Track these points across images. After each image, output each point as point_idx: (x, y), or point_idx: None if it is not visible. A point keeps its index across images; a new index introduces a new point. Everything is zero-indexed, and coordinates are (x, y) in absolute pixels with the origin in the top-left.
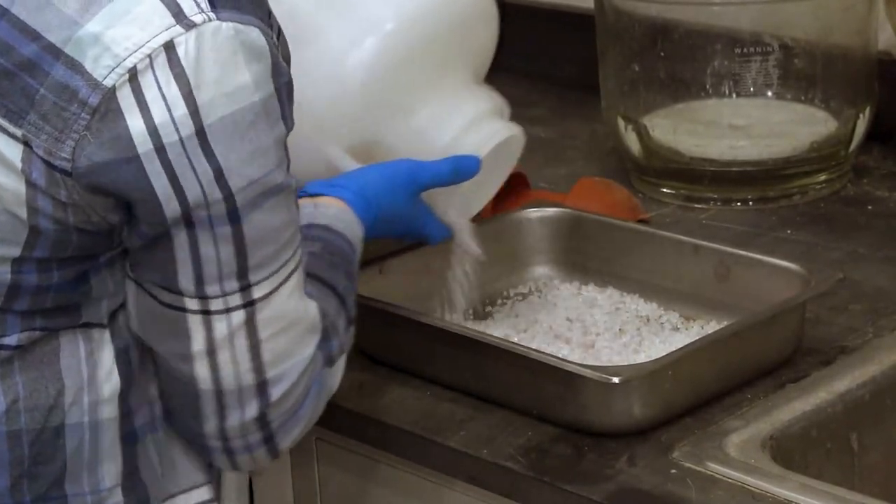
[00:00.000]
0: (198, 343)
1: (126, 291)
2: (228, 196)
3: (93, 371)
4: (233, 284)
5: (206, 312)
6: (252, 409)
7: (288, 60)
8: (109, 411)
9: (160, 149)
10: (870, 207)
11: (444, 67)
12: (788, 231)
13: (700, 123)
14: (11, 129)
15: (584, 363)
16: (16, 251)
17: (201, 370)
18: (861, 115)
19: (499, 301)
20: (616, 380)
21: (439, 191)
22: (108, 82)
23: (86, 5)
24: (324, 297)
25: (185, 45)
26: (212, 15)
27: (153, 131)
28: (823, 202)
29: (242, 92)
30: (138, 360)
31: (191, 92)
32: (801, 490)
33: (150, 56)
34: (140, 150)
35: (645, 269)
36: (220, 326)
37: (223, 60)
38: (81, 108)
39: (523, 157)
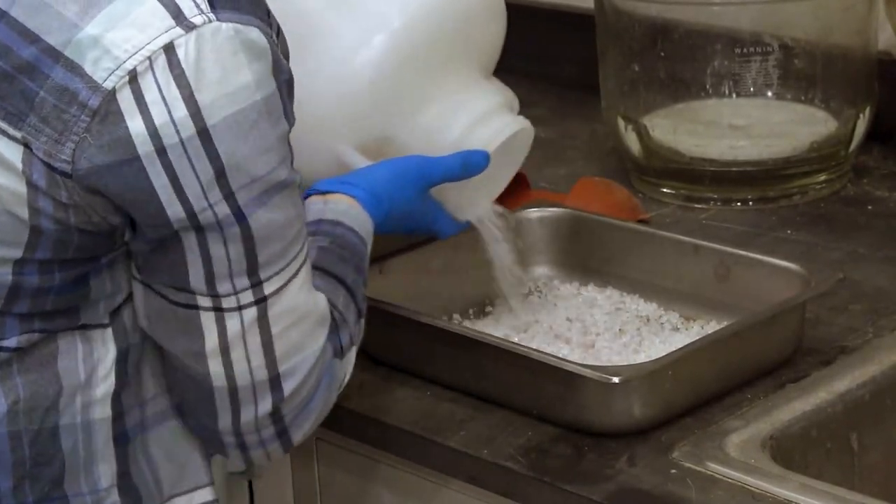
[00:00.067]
0: (211, 341)
1: (133, 292)
2: (230, 195)
3: (90, 372)
4: (244, 282)
5: (218, 310)
6: (266, 404)
7: (287, 58)
8: (101, 412)
9: (161, 150)
10: (870, 207)
11: (452, 63)
12: (788, 231)
13: (700, 123)
14: (11, 131)
15: (584, 363)
16: (17, 252)
17: (215, 367)
18: (861, 115)
19: (499, 301)
20: (616, 380)
21: (449, 186)
22: (108, 85)
23: (85, 8)
24: (332, 289)
25: (186, 47)
26: (211, 16)
27: (153, 133)
28: (823, 202)
29: (244, 91)
30: (137, 359)
31: (191, 93)
32: (801, 490)
33: (149, 58)
34: (140, 151)
35: (645, 269)
36: (233, 324)
37: (224, 61)
38: (81, 110)
39: None
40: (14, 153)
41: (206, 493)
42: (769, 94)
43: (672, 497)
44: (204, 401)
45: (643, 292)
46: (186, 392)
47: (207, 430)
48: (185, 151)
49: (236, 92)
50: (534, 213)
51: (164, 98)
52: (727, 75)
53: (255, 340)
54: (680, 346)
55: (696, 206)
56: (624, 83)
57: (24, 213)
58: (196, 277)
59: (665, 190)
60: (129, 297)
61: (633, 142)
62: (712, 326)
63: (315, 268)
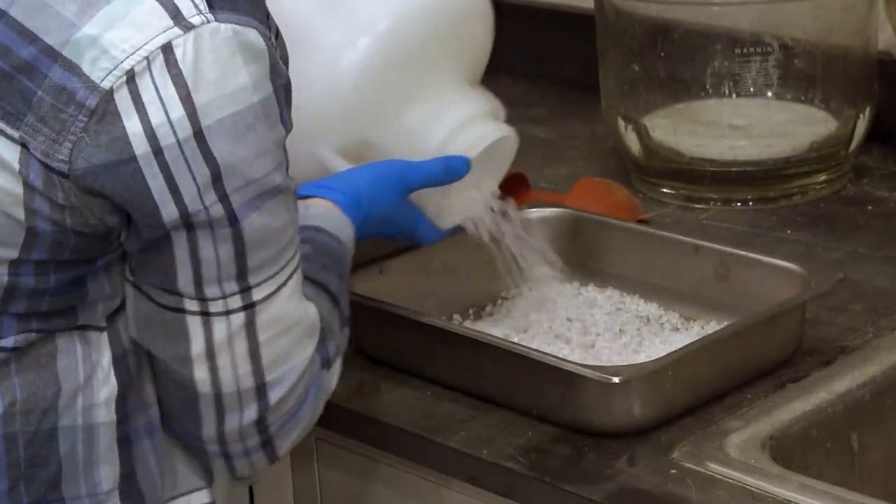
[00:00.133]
0: (197, 345)
1: (125, 295)
2: (224, 197)
3: (90, 373)
4: (233, 286)
5: (205, 314)
6: (251, 413)
7: (286, 62)
8: (105, 415)
9: (157, 151)
10: (870, 207)
11: (437, 68)
12: (788, 231)
13: (700, 123)
14: (9, 130)
15: (584, 363)
16: (13, 253)
17: (200, 373)
18: (861, 115)
19: (499, 301)
20: (616, 380)
21: (430, 192)
22: (106, 84)
23: (84, 7)
24: (318, 298)
25: (184, 47)
26: (210, 16)
27: (150, 133)
28: (823, 202)
29: (241, 93)
30: (136, 363)
31: (189, 94)
32: (801, 490)
33: (147, 58)
34: (137, 152)
35: (645, 269)
36: (220, 329)
37: (222, 62)
38: (79, 110)
39: (523, 157)
40: (11, 153)
41: (203, 496)
42: (769, 94)
43: (672, 497)
44: (189, 407)
45: (643, 292)
46: (172, 398)
47: (191, 437)
48: (182, 152)
49: (233, 93)
50: (534, 213)
51: (161, 98)
52: (727, 75)
53: (241, 347)
54: (680, 346)
55: (696, 206)
56: (624, 83)
57: (21, 214)
58: (184, 279)
59: (665, 190)
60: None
61: (633, 142)
62: (712, 326)
63: None
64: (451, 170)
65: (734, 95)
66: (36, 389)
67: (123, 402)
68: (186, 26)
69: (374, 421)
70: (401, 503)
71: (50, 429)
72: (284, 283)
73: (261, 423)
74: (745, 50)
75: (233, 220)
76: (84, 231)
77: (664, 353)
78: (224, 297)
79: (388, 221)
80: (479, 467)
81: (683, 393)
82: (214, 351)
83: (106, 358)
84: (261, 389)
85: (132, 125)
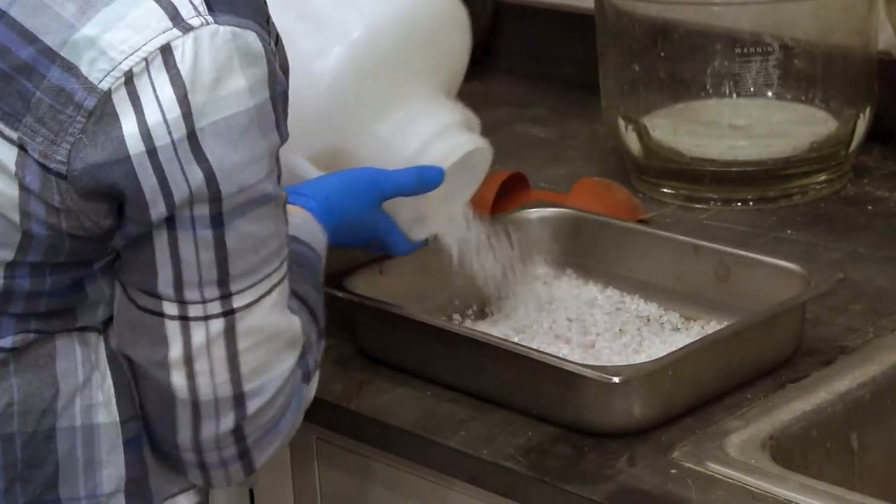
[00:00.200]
0: (175, 350)
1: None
2: (216, 200)
3: (88, 375)
4: (213, 292)
5: (184, 318)
6: (228, 422)
7: (285, 69)
8: (106, 416)
9: (152, 151)
10: (870, 207)
11: (411, 78)
12: (788, 231)
13: (700, 123)
14: (7, 131)
15: (584, 363)
16: (9, 255)
17: (178, 378)
18: (861, 115)
19: (499, 301)
20: (616, 380)
21: (403, 203)
22: (104, 86)
23: (83, 8)
24: (299, 309)
25: (182, 49)
26: (209, 18)
27: (146, 133)
28: (823, 202)
29: (237, 97)
30: (129, 365)
31: (185, 95)
32: (801, 490)
33: (146, 59)
34: (132, 151)
35: (645, 269)
36: (198, 334)
37: (219, 64)
38: (77, 111)
39: (523, 157)
40: (8, 155)
41: (190, 496)
42: (769, 94)
43: (672, 497)
44: (165, 412)
45: (643, 292)
46: (150, 402)
47: (167, 444)
48: (176, 153)
49: (228, 97)
50: (534, 213)
51: (158, 98)
52: (727, 75)
53: (220, 354)
54: (680, 346)
55: (696, 206)
56: (624, 83)
57: (16, 216)
58: (164, 281)
59: (665, 190)
60: None
61: (633, 142)
62: (712, 326)
63: None
64: (425, 179)
65: (734, 95)
66: (34, 390)
67: (130, 402)
68: (185, 28)
69: (374, 421)
70: (401, 503)
71: (48, 430)
72: (268, 293)
73: (238, 433)
74: (745, 50)
75: (217, 223)
76: (79, 234)
77: (664, 353)
78: (204, 301)
79: (361, 229)
80: (480, 467)
81: (683, 393)
82: (192, 356)
83: (104, 359)
84: (239, 399)
85: (129, 125)
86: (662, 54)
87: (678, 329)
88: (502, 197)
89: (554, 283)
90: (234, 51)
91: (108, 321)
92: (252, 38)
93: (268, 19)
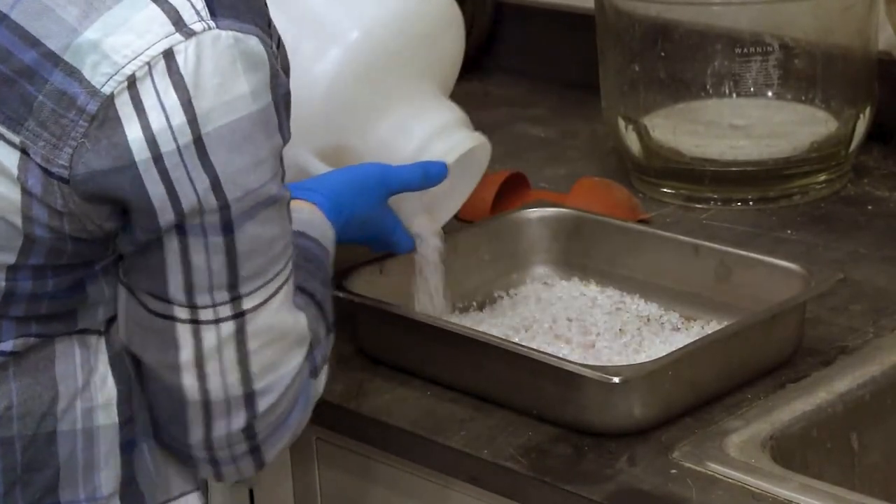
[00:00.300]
0: (186, 353)
1: (118, 299)
2: (224, 205)
3: (88, 377)
4: (223, 295)
5: (195, 322)
6: (239, 420)
7: (287, 70)
8: (105, 418)
9: (157, 157)
10: (870, 207)
11: (409, 77)
12: (788, 231)
13: (700, 123)
14: (9, 135)
15: (585, 363)
16: (10, 258)
17: (188, 380)
18: (861, 115)
19: (499, 301)
20: (616, 380)
21: (406, 199)
22: (107, 90)
23: (86, 12)
24: (305, 306)
25: (185, 54)
26: (211, 23)
27: (151, 140)
28: (823, 202)
29: (240, 101)
30: (135, 365)
31: (189, 100)
32: (801, 490)
33: (148, 64)
34: (137, 158)
35: (645, 269)
36: (209, 337)
37: (222, 69)
38: (79, 115)
39: (523, 157)
40: (10, 159)
41: (194, 499)
42: (769, 94)
43: (672, 497)
44: (177, 413)
45: (643, 292)
46: (160, 403)
47: (178, 443)
48: (182, 159)
49: (232, 101)
50: (534, 213)
51: (162, 104)
52: (727, 75)
53: (230, 356)
54: (680, 346)
55: (697, 206)
56: (624, 83)
57: (18, 220)
58: (175, 286)
59: (665, 190)
60: None
61: (633, 142)
62: (712, 326)
63: None
64: (429, 174)
65: (734, 95)
66: (33, 394)
67: (128, 404)
68: (188, 33)
69: (374, 421)
70: (401, 503)
71: (49, 433)
72: (275, 293)
73: (249, 431)
74: (745, 50)
75: (227, 228)
76: (82, 237)
77: (664, 353)
78: (214, 305)
79: (367, 225)
80: (480, 467)
81: (683, 393)
82: (203, 359)
83: (104, 361)
84: (249, 398)
85: (133, 131)
86: (662, 54)
87: (678, 329)
88: (502, 197)
89: (554, 283)
90: (237, 55)
91: (110, 321)
92: (254, 43)
93: (269, 23)
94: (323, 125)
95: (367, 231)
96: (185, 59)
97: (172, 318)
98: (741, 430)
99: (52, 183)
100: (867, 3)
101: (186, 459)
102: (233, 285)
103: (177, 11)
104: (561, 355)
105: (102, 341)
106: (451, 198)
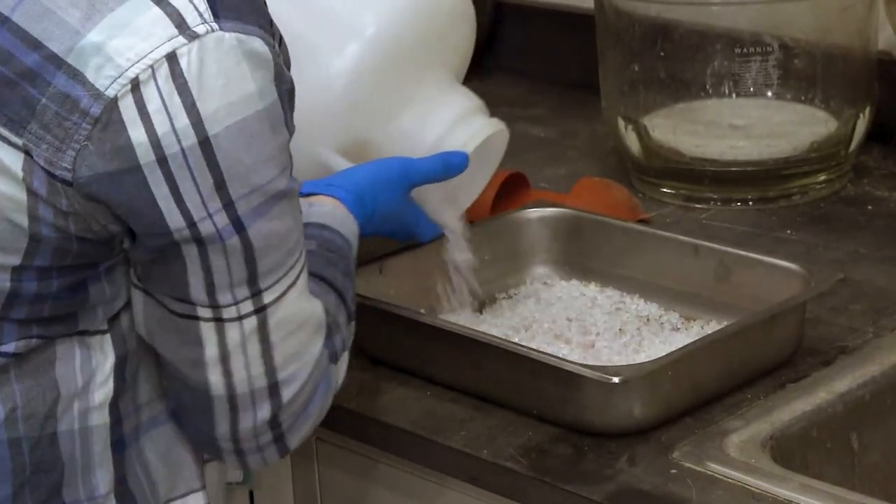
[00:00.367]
0: (211, 350)
1: (132, 300)
2: (230, 205)
3: (88, 378)
4: (244, 291)
5: (218, 320)
6: (264, 412)
7: (289, 67)
8: (99, 418)
9: (162, 160)
10: (870, 207)
11: (425, 68)
12: (788, 231)
13: (700, 123)
14: (12, 138)
15: (584, 363)
16: (16, 260)
17: (214, 376)
18: (861, 115)
19: (499, 301)
20: (616, 380)
21: (428, 189)
22: (110, 93)
23: (88, 14)
24: (324, 294)
25: (188, 56)
26: (215, 25)
27: (155, 142)
28: (823, 202)
29: (247, 101)
30: (135, 365)
31: (194, 103)
32: (801, 490)
33: (152, 66)
34: (142, 161)
35: (645, 269)
36: (233, 333)
37: (227, 70)
38: (83, 118)
39: (523, 157)
40: (15, 160)
41: (199, 498)
42: (769, 94)
43: (672, 497)
44: (202, 408)
45: (643, 292)
46: (184, 400)
47: (205, 437)
48: (186, 161)
49: (239, 101)
50: (534, 213)
51: (166, 107)
52: (727, 75)
53: (254, 349)
54: (680, 346)
55: (696, 206)
56: (624, 83)
57: (24, 220)
58: (196, 288)
59: (665, 190)
60: (128, 303)
61: (633, 142)
62: (712, 326)
63: None
64: (450, 165)
65: (734, 95)
66: (35, 395)
67: (117, 404)
68: (191, 35)
69: (374, 421)
70: (401, 503)
71: (51, 434)
72: (293, 284)
73: (274, 421)
74: (745, 50)
75: (239, 227)
76: (87, 237)
77: (664, 353)
78: (236, 302)
79: (391, 218)
80: (480, 467)
81: (683, 393)
82: (228, 355)
83: (109, 360)
84: (273, 388)
85: (137, 134)
86: (662, 54)
87: (678, 329)
88: (502, 197)
89: (554, 283)
90: (242, 56)
91: (113, 321)
92: (258, 44)
93: (270, 22)
94: (343, 121)
95: (391, 224)
96: (188, 62)
97: (196, 318)
98: (741, 430)
99: (55, 185)
100: (867, 3)
101: (212, 451)
102: (253, 281)
103: (180, 14)
104: (561, 355)
105: (106, 340)
106: (471, 184)
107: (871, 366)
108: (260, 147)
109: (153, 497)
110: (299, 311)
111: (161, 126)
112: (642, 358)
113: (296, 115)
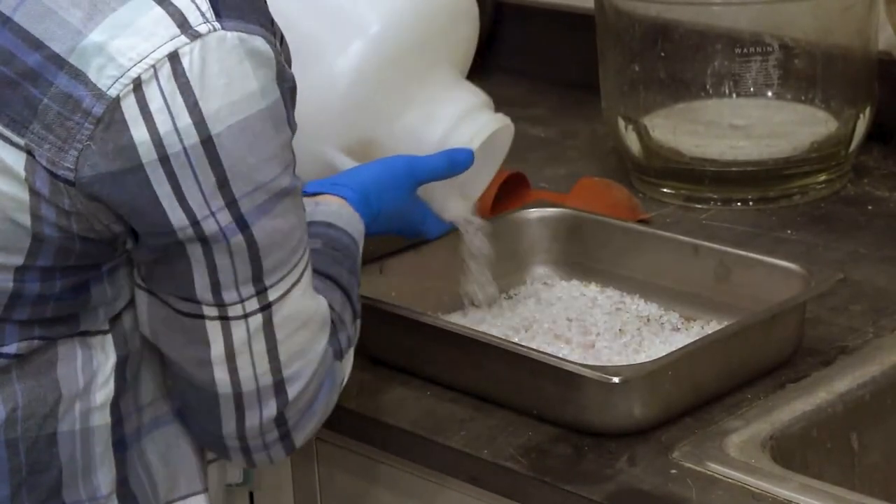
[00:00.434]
0: (217, 349)
1: (136, 300)
2: (232, 203)
3: (89, 379)
4: (249, 290)
5: (224, 319)
6: (270, 409)
7: (290, 65)
8: (100, 418)
9: (164, 159)
10: (870, 207)
11: (430, 65)
12: (788, 231)
13: (700, 123)
14: (14, 138)
15: (584, 363)
16: (19, 260)
17: (220, 375)
18: (861, 115)
19: (499, 301)
20: (616, 380)
21: (435, 186)
22: (113, 93)
23: (90, 14)
24: (329, 291)
25: (190, 56)
26: (216, 25)
27: (157, 142)
28: (823, 202)
29: (250, 100)
30: (136, 365)
31: (196, 102)
32: (801, 490)
33: (154, 66)
34: (144, 160)
35: (645, 270)
36: (239, 331)
37: (229, 69)
38: (85, 118)
39: (523, 157)
40: (17, 160)
41: (201, 500)
42: (769, 94)
43: (672, 497)
44: (208, 407)
45: (643, 292)
46: (189, 399)
47: (211, 436)
48: (189, 160)
49: (241, 100)
50: (534, 213)
51: (168, 106)
52: (727, 75)
53: (260, 347)
54: (680, 346)
55: (696, 206)
56: (624, 83)
57: (27, 220)
58: (202, 287)
59: (665, 190)
60: (130, 304)
61: (633, 142)
62: (712, 326)
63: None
64: (455, 162)
65: (734, 95)
66: (37, 396)
67: (118, 404)
68: (193, 35)
69: (374, 421)
70: (401, 503)
71: (50, 434)
72: (297, 281)
73: (280, 419)
74: (745, 50)
75: (242, 225)
76: (90, 237)
77: (664, 353)
78: (241, 300)
79: (397, 216)
80: (480, 467)
81: (683, 393)
82: (234, 353)
83: (110, 360)
84: (279, 386)
85: (139, 133)
86: (662, 54)
87: (678, 329)
88: (502, 197)
89: (554, 283)
90: (244, 55)
91: (115, 321)
92: (260, 43)
93: (272, 21)
94: (347, 120)
95: (397, 222)
96: (190, 62)
97: (201, 317)
98: (741, 430)
99: (58, 184)
100: (867, 3)
101: (218, 449)
102: (258, 279)
103: (182, 14)
104: (561, 355)
105: (108, 341)
106: (477, 179)
107: (871, 366)
108: (262, 145)
109: (155, 498)
110: (304, 308)
111: (163, 125)
112: (642, 358)
113: (300, 114)
